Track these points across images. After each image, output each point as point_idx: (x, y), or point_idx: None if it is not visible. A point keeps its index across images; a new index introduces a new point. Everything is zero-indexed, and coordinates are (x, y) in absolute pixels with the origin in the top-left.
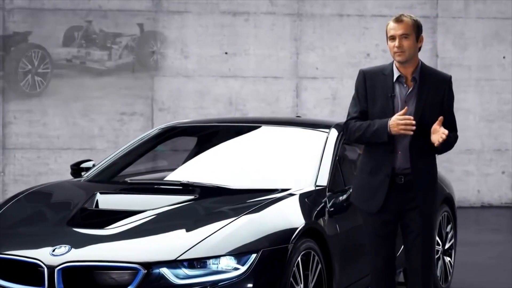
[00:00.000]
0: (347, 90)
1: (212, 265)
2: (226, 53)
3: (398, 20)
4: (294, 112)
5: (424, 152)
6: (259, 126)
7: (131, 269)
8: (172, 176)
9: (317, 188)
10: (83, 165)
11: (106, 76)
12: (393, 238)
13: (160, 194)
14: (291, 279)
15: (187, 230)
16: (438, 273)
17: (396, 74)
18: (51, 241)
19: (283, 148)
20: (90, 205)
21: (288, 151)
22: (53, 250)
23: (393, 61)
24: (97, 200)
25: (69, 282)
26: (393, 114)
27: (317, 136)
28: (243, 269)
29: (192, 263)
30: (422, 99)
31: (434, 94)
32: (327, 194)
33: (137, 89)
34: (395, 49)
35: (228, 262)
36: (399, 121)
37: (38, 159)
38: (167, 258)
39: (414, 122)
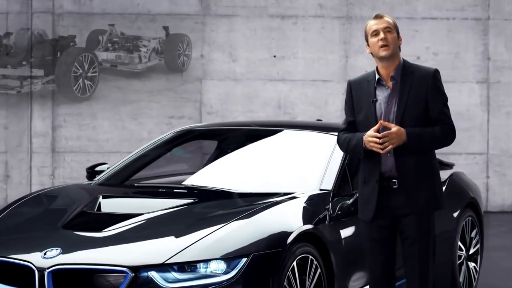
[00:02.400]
0: None
1: (202, 269)
2: (274, 56)
3: (378, 16)
4: (343, 116)
5: (412, 154)
6: (272, 130)
7: (119, 272)
8: (180, 180)
9: (321, 192)
10: (98, 168)
11: (155, 80)
12: (391, 244)
13: (161, 197)
14: (286, 283)
15: (178, 234)
16: (461, 279)
17: (376, 77)
18: (44, 244)
19: (292, 151)
20: (91, 208)
21: (297, 154)
22: (45, 253)
23: (375, 67)
24: (98, 203)
25: (59, 284)
26: (375, 118)
27: (328, 139)
28: (232, 273)
29: (181, 266)
30: (403, 98)
31: (417, 91)
32: (332, 198)
33: (185, 93)
34: (380, 42)
35: (217, 266)
36: (369, 137)
37: (88, 162)
38: (155, 262)
39: (379, 140)
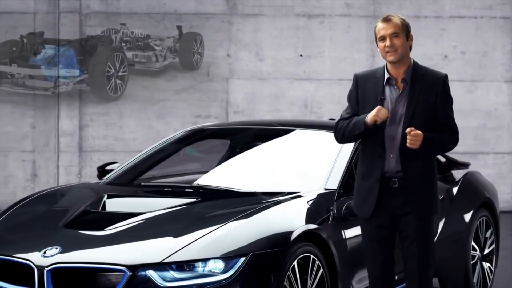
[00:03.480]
0: None
1: (200, 268)
2: (301, 55)
3: (386, 19)
4: None
5: (417, 155)
6: (281, 129)
7: (117, 271)
8: (188, 179)
9: (326, 191)
10: (109, 167)
11: (181, 79)
12: (391, 245)
13: (165, 197)
14: (287, 283)
15: (177, 233)
16: (475, 279)
17: (386, 76)
18: (45, 242)
19: (299, 150)
20: (95, 207)
21: (304, 153)
22: (44, 252)
23: (385, 64)
24: (103, 203)
25: (58, 283)
26: None
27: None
28: (230, 272)
29: (179, 266)
30: (413, 101)
31: (426, 95)
32: (337, 197)
33: (212, 92)
34: (387, 49)
35: (215, 265)
36: (382, 110)
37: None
38: (152, 261)
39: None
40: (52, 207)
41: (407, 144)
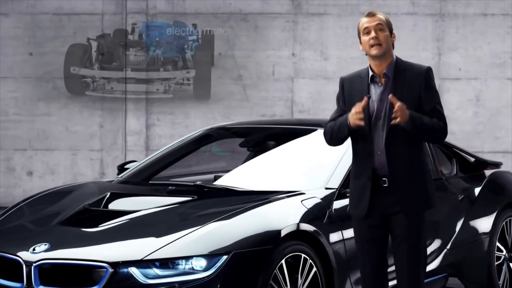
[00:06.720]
0: (492, 92)
1: (181, 265)
2: (366, 54)
3: (371, 14)
4: None
5: (403, 152)
6: (294, 128)
7: (99, 267)
8: (198, 178)
9: (325, 190)
10: (128, 165)
11: (246, 79)
12: (382, 244)
13: (165, 195)
14: (275, 282)
15: (161, 231)
16: (501, 280)
17: (370, 74)
18: (37, 239)
19: (307, 149)
20: (96, 205)
21: (311, 152)
22: (34, 248)
23: (368, 64)
24: (105, 201)
25: (46, 278)
26: (368, 115)
27: None
28: (212, 270)
29: (162, 263)
30: (396, 95)
31: (410, 89)
32: (338, 197)
33: (277, 91)
34: (372, 41)
35: (197, 263)
36: (353, 110)
37: None
38: (134, 258)
39: (359, 110)
40: (55, 205)
41: (396, 121)
